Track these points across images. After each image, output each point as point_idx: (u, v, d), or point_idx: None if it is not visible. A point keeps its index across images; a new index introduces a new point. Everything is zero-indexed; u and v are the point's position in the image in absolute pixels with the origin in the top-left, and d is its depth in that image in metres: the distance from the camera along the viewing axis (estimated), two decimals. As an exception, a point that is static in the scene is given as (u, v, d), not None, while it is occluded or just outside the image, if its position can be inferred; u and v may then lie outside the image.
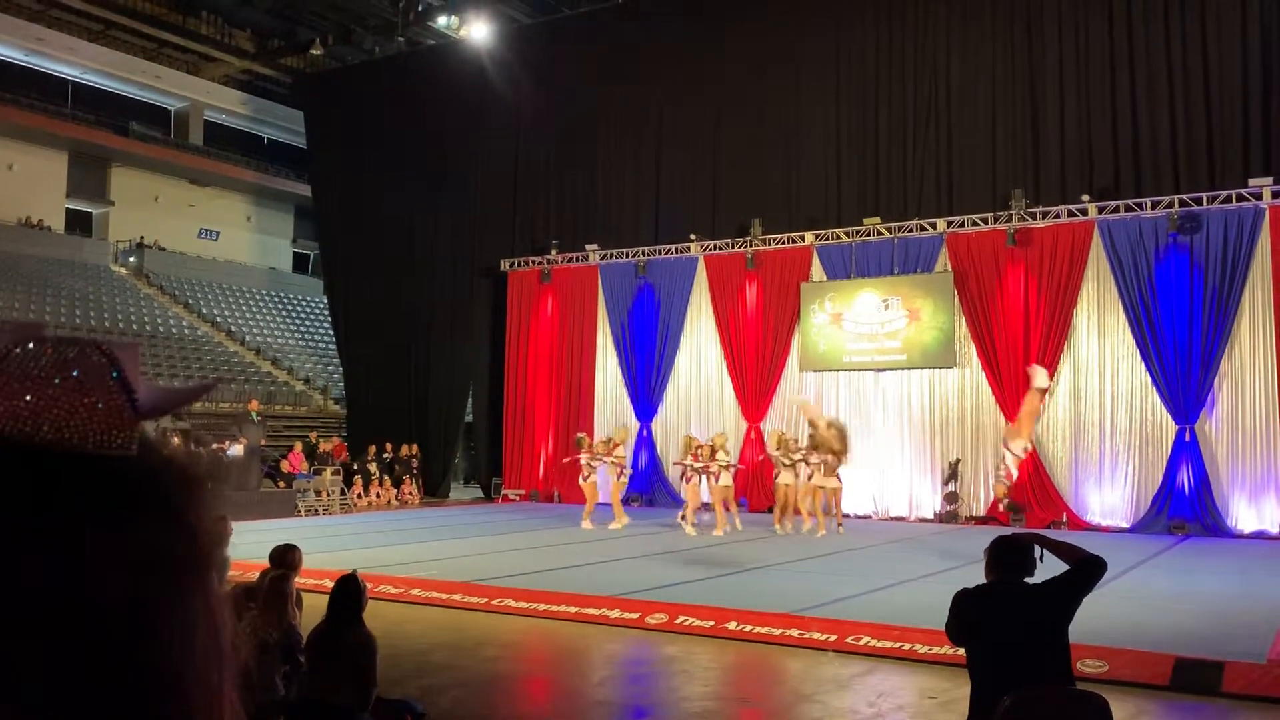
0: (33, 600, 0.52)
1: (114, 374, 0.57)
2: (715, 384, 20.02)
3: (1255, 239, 15.58)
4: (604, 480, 16.40)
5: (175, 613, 0.56)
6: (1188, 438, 15.79)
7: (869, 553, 13.08)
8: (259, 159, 35.37)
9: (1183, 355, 15.88)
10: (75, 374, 0.56)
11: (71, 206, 31.95)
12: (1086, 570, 3.95)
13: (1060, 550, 4.04)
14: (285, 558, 5.77)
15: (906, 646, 7.59)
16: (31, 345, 0.56)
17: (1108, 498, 16.52)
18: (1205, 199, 15.83)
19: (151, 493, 0.58)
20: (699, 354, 20.34)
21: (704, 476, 15.01)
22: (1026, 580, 3.98)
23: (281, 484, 19.68)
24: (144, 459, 0.57)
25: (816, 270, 19.19)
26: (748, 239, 19.56)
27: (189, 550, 0.58)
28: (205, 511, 0.60)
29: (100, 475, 0.56)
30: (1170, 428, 15.97)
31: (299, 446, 20.83)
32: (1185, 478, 15.74)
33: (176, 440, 0.65)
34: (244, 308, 32.05)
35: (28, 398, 0.55)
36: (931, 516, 17.52)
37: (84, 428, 0.55)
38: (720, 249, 20.00)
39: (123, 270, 31.20)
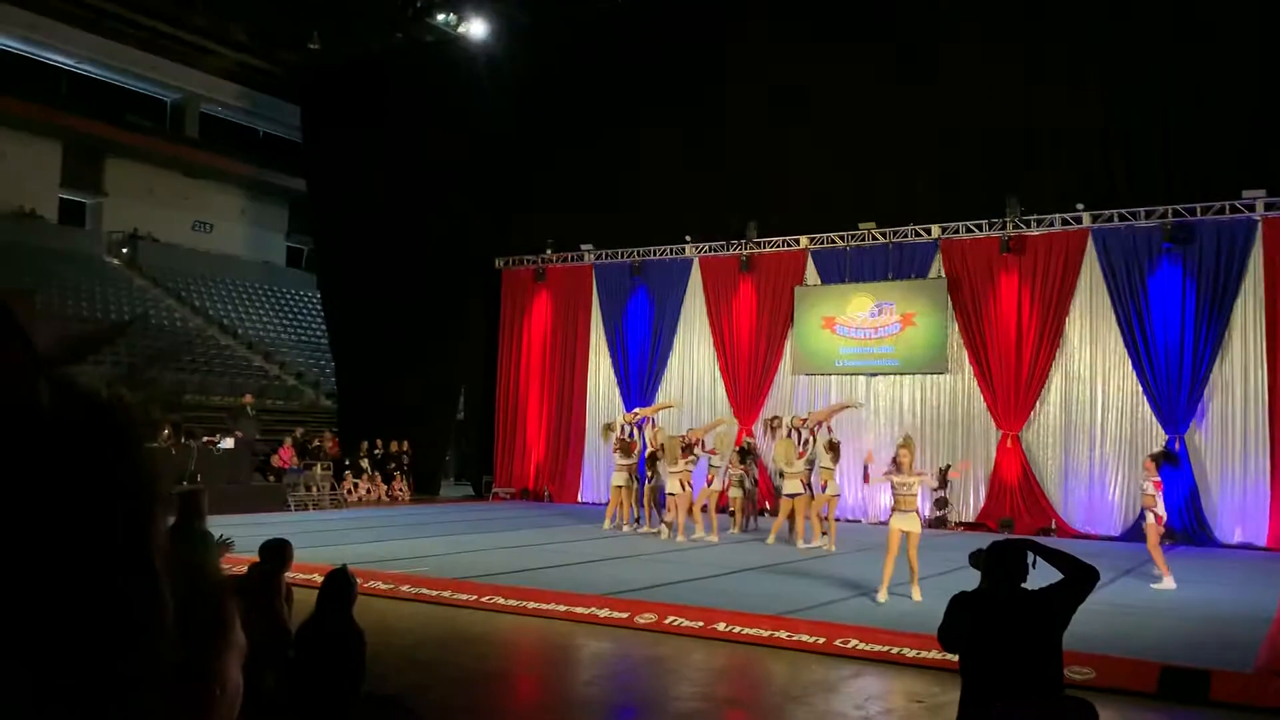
0: None
1: (7, 325, 0.54)
2: (708, 386, 20.03)
3: (1248, 251, 15.64)
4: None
5: (95, 571, 0.53)
6: (1178, 448, 15.83)
7: (858, 557, 13.09)
8: (254, 152, 35.27)
9: (1174, 365, 15.94)
10: None
11: (65, 197, 31.82)
12: (1081, 580, 3.97)
13: (1054, 558, 4.06)
14: (276, 551, 5.76)
15: (895, 650, 7.61)
16: None
17: (1097, 506, 16.57)
18: (1199, 210, 15.90)
19: (64, 447, 0.54)
20: (692, 355, 20.35)
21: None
22: (1022, 586, 3.99)
23: (272, 478, 19.64)
24: (57, 410, 0.54)
25: (811, 274, 19.21)
26: (743, 241, 19.58)
27: (119, 498, 0.55)
28: (133, 462, 0.56)
29: (4, 429, 0.53)
30: (1160, 437, 16.01)
31: (289, 441, 20.80)
32: (1174, 488, 15.78)
33: (114, 391, 0.60)
34: (237, 301, 31.96)
35: None
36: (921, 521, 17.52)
37: None
38: (715, 251, 20.01)
39: (116, 261, 31.09)
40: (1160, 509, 11.41)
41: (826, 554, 13.36)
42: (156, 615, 0.56)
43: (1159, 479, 11.37)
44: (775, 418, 16.18)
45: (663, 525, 14.91)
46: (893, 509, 10.18)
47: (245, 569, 5.85)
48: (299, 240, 36.09)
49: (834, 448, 13.98)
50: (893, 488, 10.16)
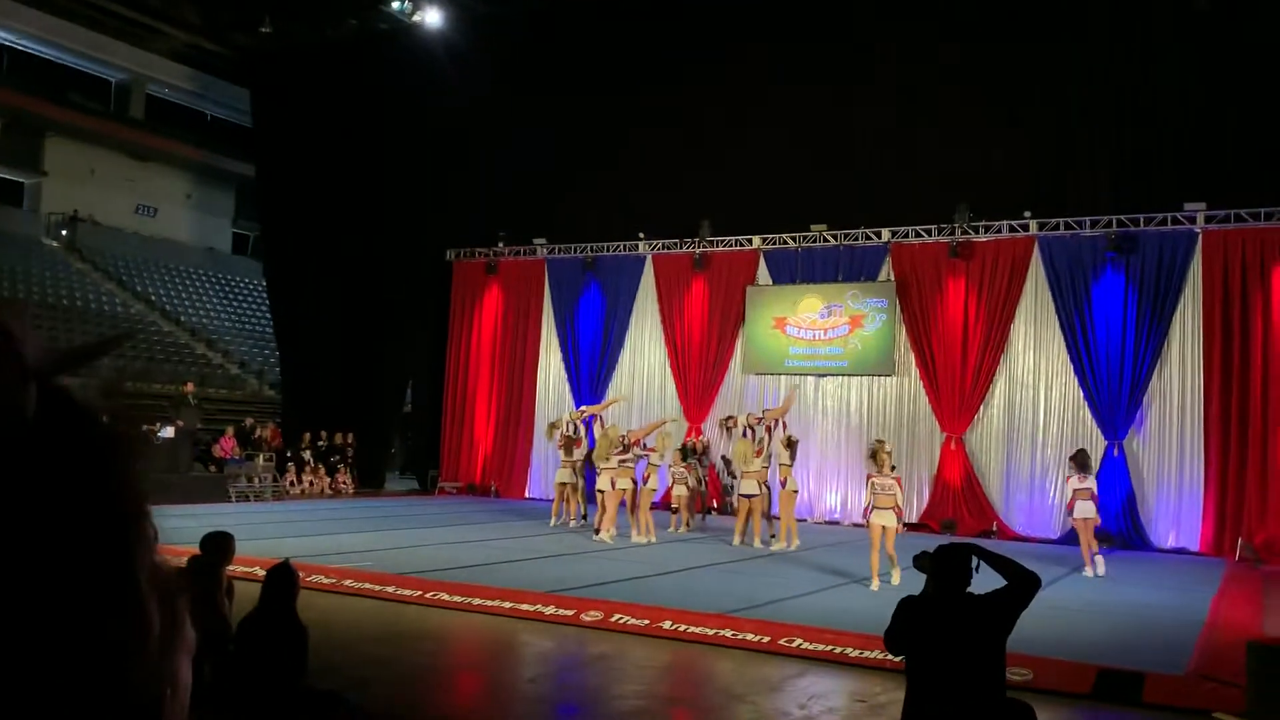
0: None
1: None
2: (658, 383, 20.06)
3: (1188, 262, 16.02)
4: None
5: (84, 592, 0.52)
6: (1116, 453, 16.18)
7: (804, 556, 13.19)
8: (202, 136, 34.60)
9: (1114, 373, 16.27)
10: None
11: (3, 176, 30.99)
12: (1024, 586, 4.04)
13: (998, 563, 4.11)
14: (218, 545, 5.66)
15: (838, 650, 7.67)
16: None
17: (1037, 509, 16.86)
18: (1142, 220, 16.24)
19: (59, 453, 0.53)
20: (643, 352, 20.36)
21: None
22: (968, 591, 4.04)
23: (213, 468, 19.31)
24: (47, 423, 0.53)
25: (763, 274, 19.32)
26: (696, 240, 19.63)
27: (106, 513, 0.53)
28: (125, 477, 0.55)
29: None
30: (1100, 442, 16.34)
31: (231, 430, 20.46)
32: (1112, 492, 16.13)
33: (103, 402, 0.58)
34: (180, 287, 31.34)
35: None
36: (864, 522, 17.69)
37: None
38: (669, 248, 20.04)
39: (54, 244, 30.32)
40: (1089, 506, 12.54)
41: (788, 551, 13.42)
42: (142, 629, 0.54)
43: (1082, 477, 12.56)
44: (730, 417, 16.21)
45: (601, 533, 14.13)
46: (873, 507, 11.08)
47: (186, 561, 5.74)
48: (246, 226, 35.48)
49: (792, 444, 14.09)
50: (872, 487, 11.09)
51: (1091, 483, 12.73)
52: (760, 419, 14.41)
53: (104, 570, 0.53)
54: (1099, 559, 12.37)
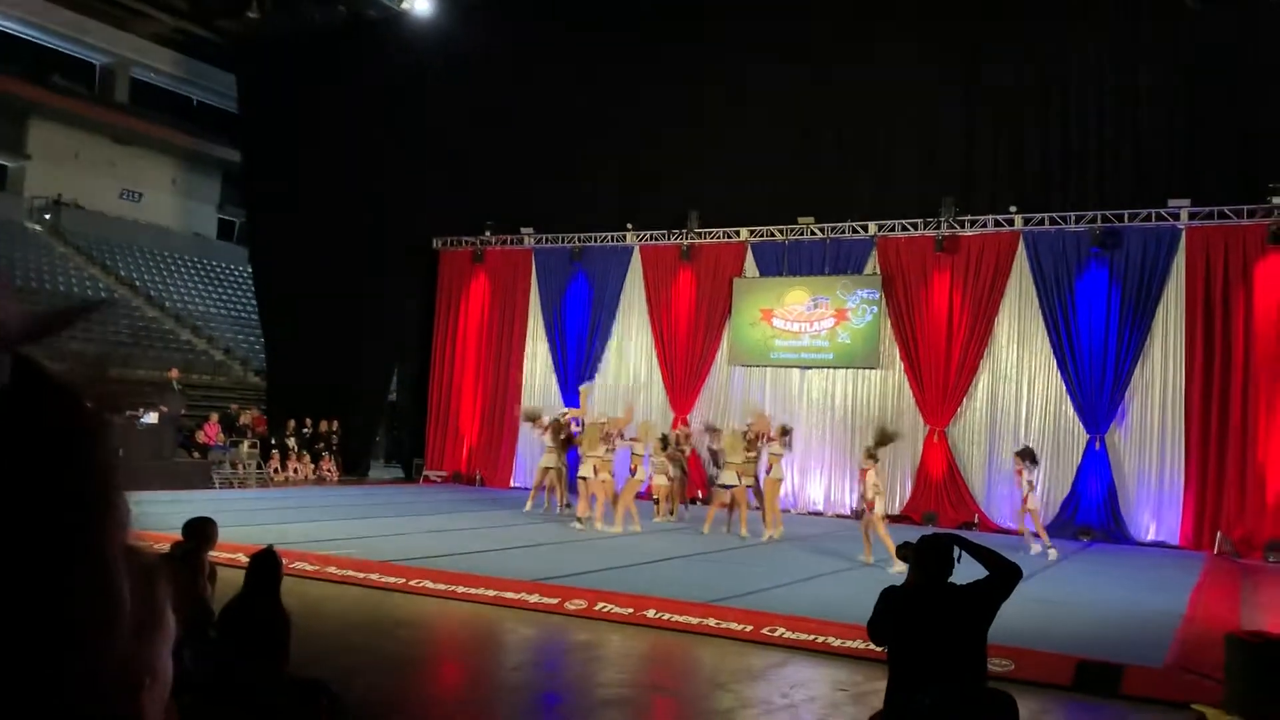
0: None
1: None
2: (645, 373, 20.06)
3: (1171, 258, 16.11)
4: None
5: (52, 571, 0.50)
6: (1098, 447, 16.29)
7: (787, 546, 13.25)
8: (187, 121, 34.36)
9: (1097, 367, 16.37)
10: None
11: (-15, 159, 30.74)
12: (1006, 578, 4.07)
13: (980, 554, 4.15)
14: (200, 530, 5.64)
15: (821, 639, 7.71)
16: None
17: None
18: (1126, 216, 16.32)
19: (30, 426, 0.51)
20: (630, 343, 20.35)
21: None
22: (949, 581, 4.07)
23: (197, 455, 19.24)
24: (21, 389, 0.51)
25: (750, 266, 19.34)
26: (684, 231, 19.63)
27: (77, 490, 0.52)
28: (98, 453, 0.54)
29: None
30: (1082, 437, 16.45)
31: (215, 417, 20.38)
32: (1093, 486, 16.25)
33: (74, 371, 0.56)
34: (165, 272, 31.16)
35: None
36: (848, 513, 17.80)
37: None
38: (656, 239, 20.03)
39: (38, 228, 30.09)
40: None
41: (772, 540, 13.51)
42: (113, 610, 0.53)
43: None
44: (715, 431, 16.14)
45: (576, 522, 14.15)
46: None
47: (168, 547, 5.73)
48: (231, 213, 35.26)
49: (786, 432, 14.25)
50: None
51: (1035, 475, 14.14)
52: (753, 435, 14.26)
53: (72, 547, 0.51)
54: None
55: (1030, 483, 13.60)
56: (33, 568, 0.50)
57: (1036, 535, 13.60)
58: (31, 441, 0.51)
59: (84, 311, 0.60)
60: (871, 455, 12.21)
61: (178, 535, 5.78)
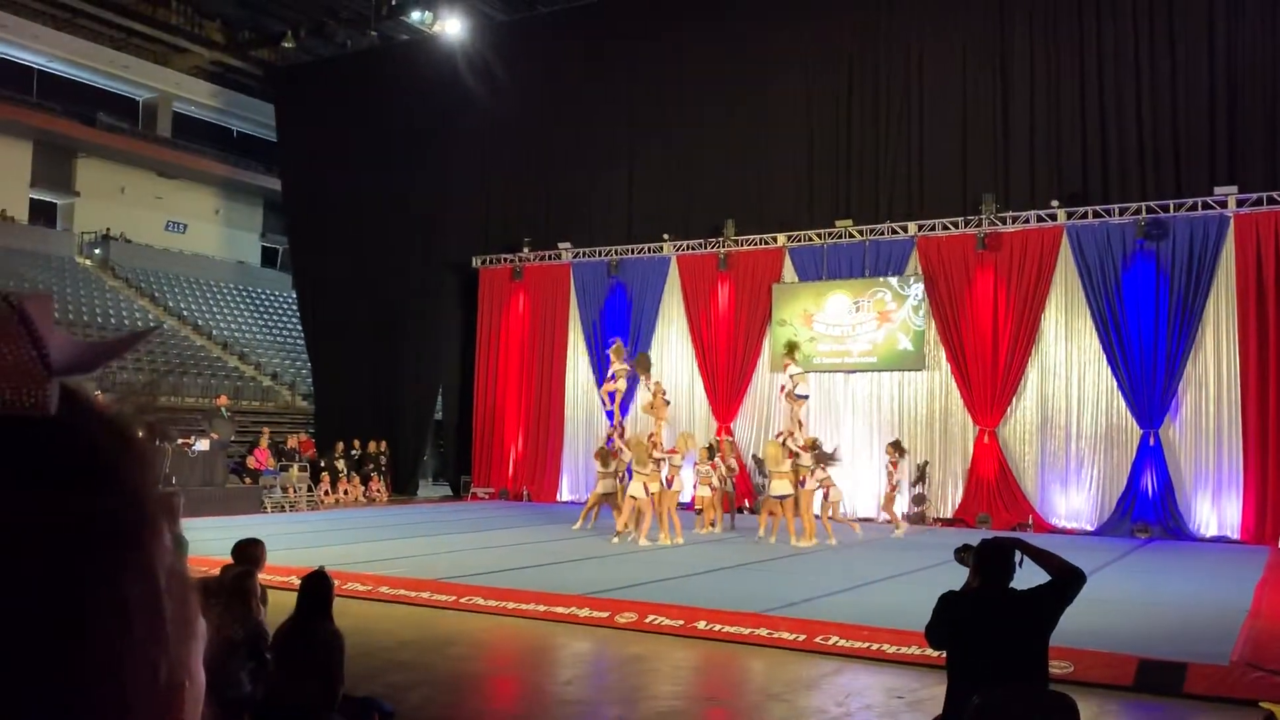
0: None
1: (21, 327, 0.51)
2: (686, 384, 20.01)
3: (1220, 247, 15.80)
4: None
5: (105, 590, 0.51)
6: (1152, 442, 15.98)
7: (837, 553, 13.13)
8: (228, 152, 34.99)
9: (1148, 360, 16.08)
10: None
11: (36, 197, 31.46)
12: (1069, 582, 3.98)
13: (1041, 558, 4.06)
14: (248, 552, 5.68)
15: (874, 646, 7.62)
16: None
17: (1073, 500, 16.69)
18: (1172, 206, 16.04)
19: (76, 457, 0.52)
20: (670, 354, 20.33)
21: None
22: (1011, 587, 3.99)
23: (248, 480, 19.49)
24: (68, 419, 0.52)
25: (788, 272, 19.25)
26: (720, 239, 19.59)
27: (123, 520, 0.53)
28: (144, 476, 0.55)
29: (8, 439, 0.50)
30: (1135, 432, 16.16)
31: (266, 432, 20.67)
32: (1149, 481, 15.93)
33: (121, 401, 0.59)
34: (211, 302, 31.69)
35: None
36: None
37: None
38: (693, 249, 20.01)
39: (88, 262, 30.76)
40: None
41: (813, 549, 13.38)
42: (160, 628, 0.54)
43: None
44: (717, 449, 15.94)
45: (614, 537, 13.99)
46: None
47: (219, 570, 5.79)
48: (274, 240, 35.83)
49: (815, 446, 14.06)
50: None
51: None
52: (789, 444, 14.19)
53: (124, 569, 0.53)
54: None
55: (893, 472, 15.43)
56: (84, 589, 0.51)
57: (891, 521, 15.40)
58: (81, 470, 0.52)
59: (130, 342, 0.62)
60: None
61: (228, 559, 5.84)
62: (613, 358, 15.95)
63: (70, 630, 0.50)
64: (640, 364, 15.61)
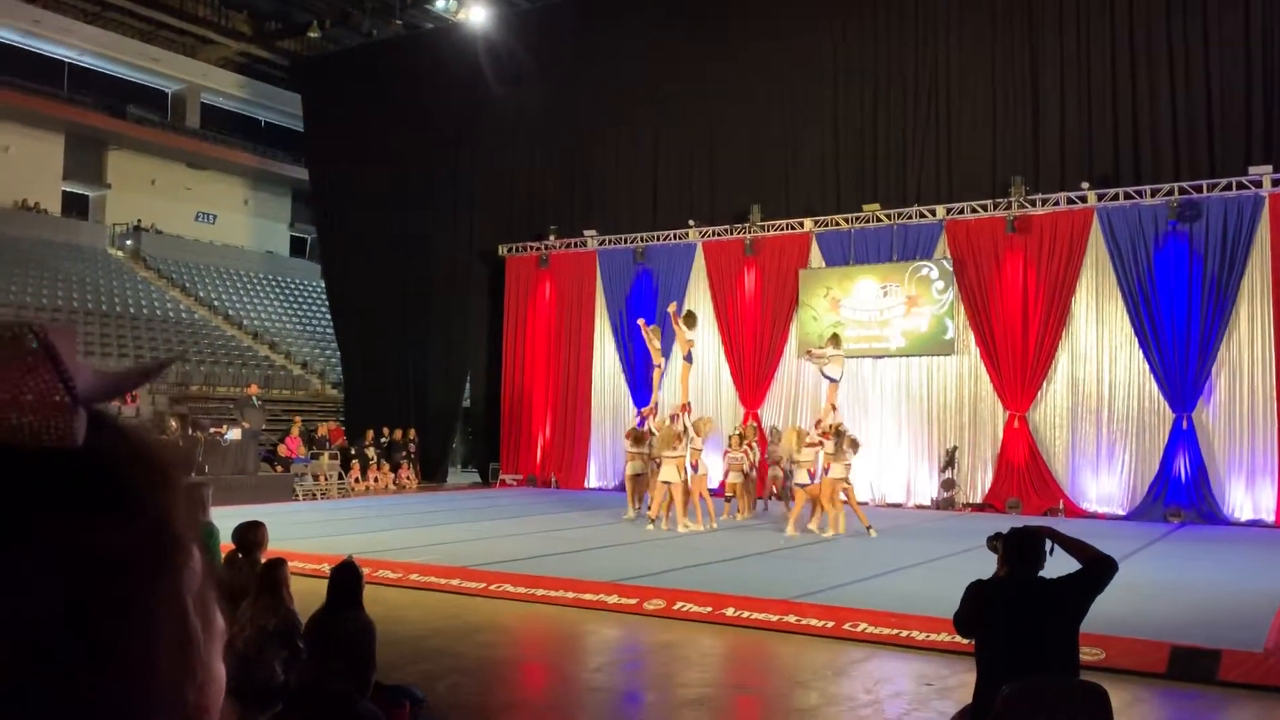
0: None
1: (46, 359, 0.52)
2: (713, 370, 19.98)
3: (1254, 227, 15.56)
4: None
5: (133, 620, 0.52)
6: (1185, 425, 15.80)
7: (866, 539, 13.09)
8: (256, 142, 35.24)
9: (1181, 343, 15.88)
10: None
11: (68, 189, 31.84)
12: (1100, 570, 3.95)
13: (1073, 547, 4.03)
14: (248, 536, 5.68)
15: (904, 633, 7.60)
16: None
17: (1105, 485, 16.54)
18: (1205, 187, 15.80)
19: (104, 486, 0.53)
20: (697, 340, 20.22)
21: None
22: (1041, 575, 3.97)
23: (279, 468, 19.69)
24: (96, 447, 0.53)
25: (815, 257, 19.15)
26: (746, 225, 19.52)
27: (151, 548, 0.54)
28: (172, 502, 0.56)
29: (39, 471, 0.51)
30: (1168, 415, 15.98)
31: (298, 420, 20.86)
32: (1182, 465, 15.76)
33: (161, 423, 0.60)
34: (241, 291, 31.99)
35: None
36: (928, 503, 17.54)
37: (12, 420, 0.50)
38: (719, 235, 19.95)
39: (119, 253, 31.12)
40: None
41: (839, 537, 13.30)
42: (187, 644, 0.55)
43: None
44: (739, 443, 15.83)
45: (650, 524, 14.02)
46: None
47: (239, 557, 5.85)
48: (302, 229, 36.08)
49: (840, 434, 13.91)
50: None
51: None
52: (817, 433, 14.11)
53: (153, 590, 0.54)
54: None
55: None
56: (111, 620, 0.52)
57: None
58: (108, 499, 0.53)
59: (153, 371, 0.62)
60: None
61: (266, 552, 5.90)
62: (653, 336, 16.19)
63: (98, 661, 0.51)
64: (688, 320, 15.59)
